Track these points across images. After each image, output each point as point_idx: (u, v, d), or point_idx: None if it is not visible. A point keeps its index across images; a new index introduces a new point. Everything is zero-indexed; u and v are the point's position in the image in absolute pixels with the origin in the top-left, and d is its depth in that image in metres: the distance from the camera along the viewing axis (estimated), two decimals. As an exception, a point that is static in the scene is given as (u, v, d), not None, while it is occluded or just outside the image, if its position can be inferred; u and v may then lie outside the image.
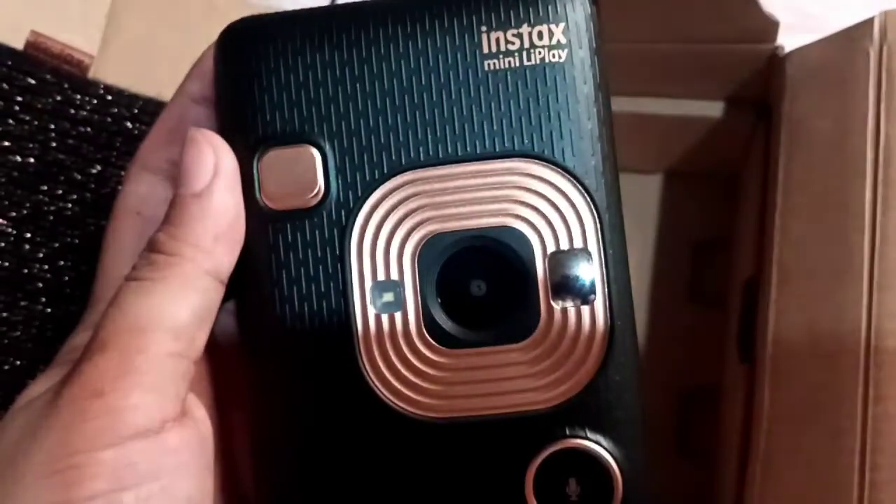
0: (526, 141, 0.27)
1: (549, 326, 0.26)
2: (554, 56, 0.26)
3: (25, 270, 0.40)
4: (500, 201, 0.27)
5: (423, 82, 0.27)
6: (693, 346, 0.49)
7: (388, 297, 0.27)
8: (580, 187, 0.27)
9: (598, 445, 0.26)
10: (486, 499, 0.26)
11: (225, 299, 0.27)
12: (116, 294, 0.25)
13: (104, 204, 0.41)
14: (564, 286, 0.27)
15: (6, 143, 0.40)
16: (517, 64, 0.26)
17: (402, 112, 0.27)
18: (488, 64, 0.27)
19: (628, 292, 0.27)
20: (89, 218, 0.41)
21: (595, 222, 0.27)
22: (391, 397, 0.27)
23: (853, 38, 0.37)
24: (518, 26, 0.27)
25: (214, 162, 0.26)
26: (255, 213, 0.27)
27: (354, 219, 0.27)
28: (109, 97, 0.42)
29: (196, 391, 0.27)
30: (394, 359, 0.27)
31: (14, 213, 0.40)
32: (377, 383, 0.27)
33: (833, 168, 0.37)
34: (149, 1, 0.45)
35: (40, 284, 0.40)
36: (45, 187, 0.40)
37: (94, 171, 0.42)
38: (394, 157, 0.27)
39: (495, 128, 0.27)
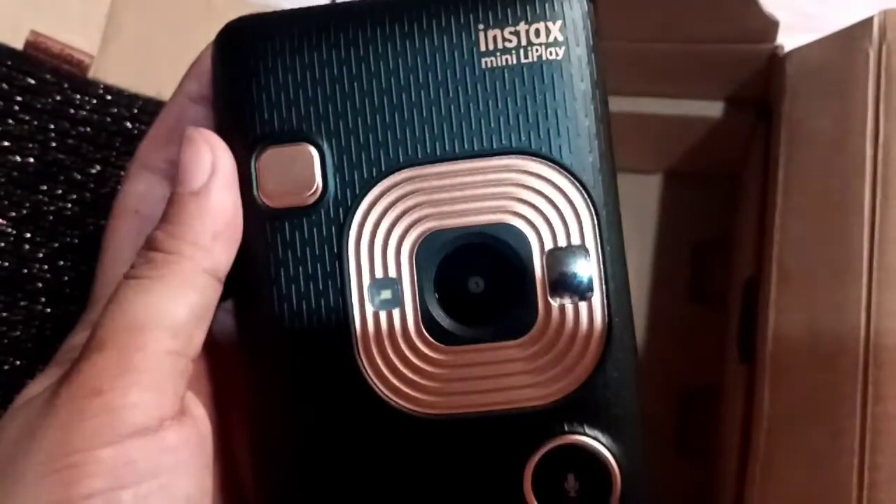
0: (523, 138, 0.27)
1: (547, 323, 0.27)
2: (551, 53, 0.27)
3: (25, 270, 0.40)
4: (498, 198, 0.27)
5: (421, 80, 0.27)
6: (693, 346, 0.49)
7: (386, 294, 0.27)
8: (577, 184, 0.27)
9: (596, 441, 0.26)
10: (485, 495, 0.26)
11: (223, 298, 0.27)
12: (115, 292, 0.25)
13: (104, 204, 0.41)
14: (562, 283, 0.27)
15: (6, 143, 0.40)
16: (514, 61, 0.27)
17: (399, 110, 0.27)
18: (485, 62, 0.27)
19: (626, 289, 0.27)
20: (89, 218, 0.41)
21: (592, 219, 0.27)
22: (389, 394, 0.27)
23: (853, 37, 0.37)
24: (515, 24, 0.27)
25: (212, 160, 0.26)
26: (253, 211, 0.27)
27: (352, 216, 0.27)
28: (109, 97, 0.42)
29: (195, 390, 0.27)
30: (392, 356, 0.27)
31: (14, 213, 0.40)
32: (375, 381, 0.27)
33: (833, 168, 0.37)
34: (149, 1, 0.45)
35: (40, 284, 0.40)
36: (45, 187, 0.41)
37: (93, 170, 0.42)
38: (391, 155, 0.27)
39: (493, 125, 0.27)
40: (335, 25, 0.27)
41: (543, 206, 0.27)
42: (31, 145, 0.40)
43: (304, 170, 0.27)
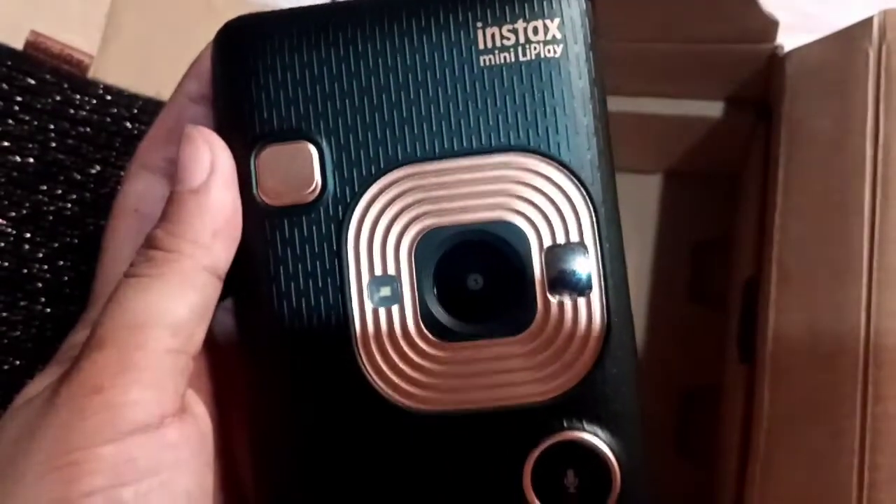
0: (522, 135, 0.27)
1: (546, 320, 0.27)
2: (549, 51, 0.27)
3: (25, 270, 0.40)
4: (497, 195, 0.27)
5: (419, 78, 0.27)
6: (693, 346, 0.49)
7: (386, 291, 0.27)
8: (576, 181, 0.27)
9: (595, 437, 0.26)
10: (485, 491, 0.26)
11: (223, 296, 0.27)
12: (115, 290, 0.25)
13: (104, 204, 0.41)
14: (561, 280, 0.27)
15: (6, 143, 0.40)
16: (512, 59, 0.27)
17: (398, 108, 0.27)
18: (484, 59, 0.27)
19: (625, 286, 0.27)
20: (89, 218, 0.41)
21: (591, 216, 0.27)
22: (389, 391, 0.27)
23: (853, 37, 0.37)
24: (513, 22, 0.27)
25: (211, 159, 0.26)
26: (253, 209, 0.27)
27: (351, 214, 0.27)
28: (109, 97, 0.42)
29: (195, 387, 0.27)
30: (391, 353, 0.27)
31: (14, 213, 0.40)
32: (375, 377, 0.27)
33: (833, 168, 0.37)
34: (149, 1, 0.45)
35: (40, 284, 0.40)
36: (45, 187, 0.41)
37: (93, 171, 0.42)
38: (390, 153, 0.27)
39: (491, 123, 0.27)
40: (334, 24, 0.27)
41: (542, 203, 0.27)
42: (31, 145, 0.40)
43: (303, 168, 0.27)
